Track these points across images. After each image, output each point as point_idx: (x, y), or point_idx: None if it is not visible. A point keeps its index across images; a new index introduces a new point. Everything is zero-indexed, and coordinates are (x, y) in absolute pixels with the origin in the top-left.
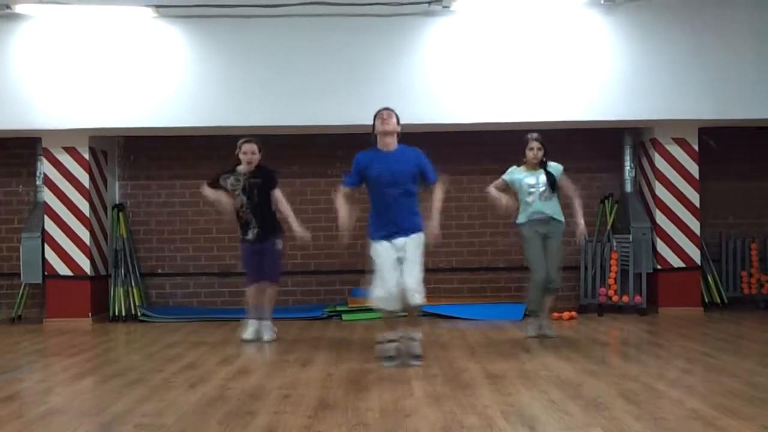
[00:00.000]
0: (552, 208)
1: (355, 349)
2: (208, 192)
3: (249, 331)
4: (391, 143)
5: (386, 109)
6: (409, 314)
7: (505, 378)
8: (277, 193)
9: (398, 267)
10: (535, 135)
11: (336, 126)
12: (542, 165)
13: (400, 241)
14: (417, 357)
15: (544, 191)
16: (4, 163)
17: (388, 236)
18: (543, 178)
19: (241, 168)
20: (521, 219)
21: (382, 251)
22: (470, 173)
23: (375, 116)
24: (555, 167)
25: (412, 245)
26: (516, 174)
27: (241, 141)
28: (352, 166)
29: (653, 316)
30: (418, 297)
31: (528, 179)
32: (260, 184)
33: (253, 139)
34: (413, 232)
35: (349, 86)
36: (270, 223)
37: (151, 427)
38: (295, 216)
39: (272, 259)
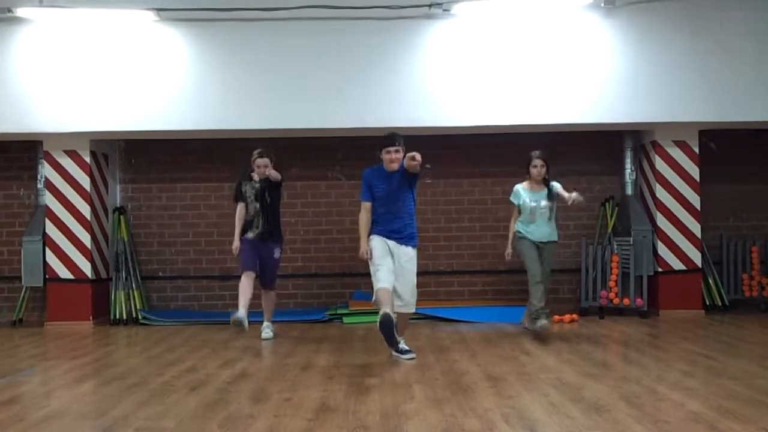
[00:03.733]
0: (550, 230)
1: (356, 352)
2: (239, 212)
3: (239, 313)
4: (395, 167)
5: (393, 145)
6: (399, 321)
7: (506, 381)
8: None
9: (391, 256)
10: (537, 153)
11: (336, 129)
12: (545, 182)
13: (394, 243)
14: (402, 352)
15: (544, 212)
16: (5, 166)
17: (386, 235)
18: (545, 201)
19: (255, 177)
20: (520, 228)
21: (377, 243)
22: (470, 176)
23: (382, 147)
24: (556, 187)
25: (406, 258)
26: (521, 194)
27: (254, 156)
28: (361, 182)
29: (654, 319)
30: (410, 308)
31: (532, 202)
32: (270, 183)
33: (265, 153)
34: (408, 244)
35: (349, 89)
36: (273, 226)
37: (151, 430)
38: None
39: (272, 268)
